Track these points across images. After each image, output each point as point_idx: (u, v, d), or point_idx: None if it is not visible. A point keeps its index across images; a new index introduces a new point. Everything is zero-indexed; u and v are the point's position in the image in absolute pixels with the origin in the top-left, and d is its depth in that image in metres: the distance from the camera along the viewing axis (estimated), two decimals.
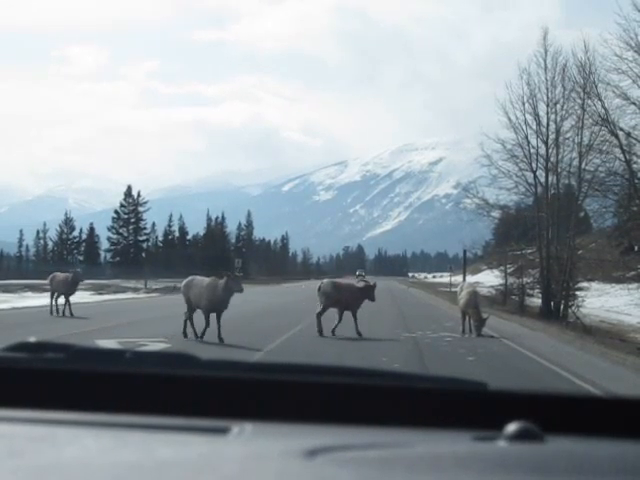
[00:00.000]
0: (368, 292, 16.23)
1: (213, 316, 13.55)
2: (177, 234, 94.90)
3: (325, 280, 17.23)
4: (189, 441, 1.07)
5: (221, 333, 13.21)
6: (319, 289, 15.99)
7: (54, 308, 20.05)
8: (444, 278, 67.05)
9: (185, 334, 13.79)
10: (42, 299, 25.23)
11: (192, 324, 13.85)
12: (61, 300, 20.12)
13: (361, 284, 16.69)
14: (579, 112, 26.91)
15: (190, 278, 14.59)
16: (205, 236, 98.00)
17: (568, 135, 28.10)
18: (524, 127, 29.09)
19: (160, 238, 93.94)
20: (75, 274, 21.25)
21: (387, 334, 16.41)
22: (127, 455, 1.01)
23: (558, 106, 28.24)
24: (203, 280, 14.22)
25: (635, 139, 24.49)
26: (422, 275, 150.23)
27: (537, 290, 30.65)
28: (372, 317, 20.43)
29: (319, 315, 15.53)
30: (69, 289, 20.44)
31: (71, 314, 19.50)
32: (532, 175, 29.22)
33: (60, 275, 20.97)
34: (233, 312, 16.60)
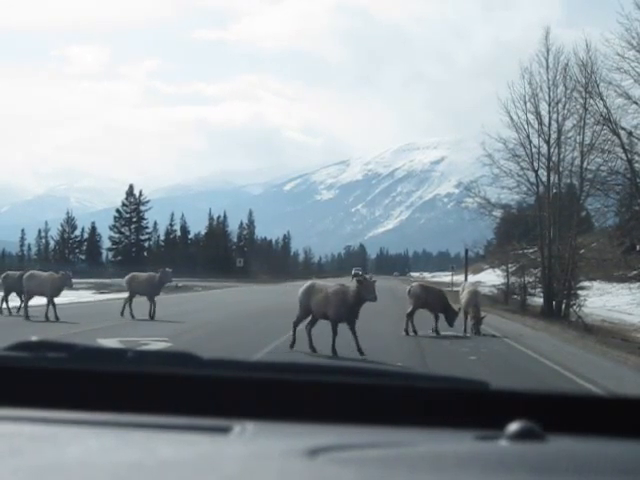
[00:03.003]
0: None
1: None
2: (179, 233, 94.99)
3: (414, 283, 18.48)
4: (191, 440, 1.07)
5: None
6: (409, 291, 17.05)
7: (127, 311, 18.26)
8: (445, 277, 66.98)
9: None
10: (43, 298, 25.14)
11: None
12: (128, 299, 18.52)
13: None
14: (581, 111, 26.94)
15: None
16: (206, 235, 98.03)
17: (570, 134, 28.15)
18: (526, 126, 29.13)
19: (162, 237, 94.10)
20: (163, 273, 19.23)
21: (389, 333, 16.41)
22: (129, 454, 1.01)
23: (560, 105, 28.27)
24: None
25: (637, 138, 24.49)
26: (416, 274, 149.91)
27: (539, 289, 30.66)
28: (374, 316, 20.39)
29: (409, 315, 16.34)
30: (154, 290, 18.71)
31: (151, 317, 17.88)
32: (534, 174, 29.24)
33: (142, 275, 19.49)
34: (234, 310, 16.69)
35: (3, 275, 19.97)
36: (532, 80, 28.77)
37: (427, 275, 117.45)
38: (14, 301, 19.39)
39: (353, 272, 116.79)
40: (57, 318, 17.09)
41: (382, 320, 20.20)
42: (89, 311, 20.65)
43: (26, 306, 17.84)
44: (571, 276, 27.80)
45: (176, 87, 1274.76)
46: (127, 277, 19.49)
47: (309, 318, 12.57)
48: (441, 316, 16.70)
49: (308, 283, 13.07)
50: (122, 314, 18.19)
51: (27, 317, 17.39)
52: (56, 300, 17.96)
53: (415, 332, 16.12)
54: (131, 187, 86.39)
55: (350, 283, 12.74)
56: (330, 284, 13.06)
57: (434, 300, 16.76)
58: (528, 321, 23.07)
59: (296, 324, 12.55)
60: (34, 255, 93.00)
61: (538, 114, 28.82)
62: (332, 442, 1.02)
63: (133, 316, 18.00)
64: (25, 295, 18.12)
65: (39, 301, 18.03)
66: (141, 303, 18.49)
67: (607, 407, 1.27)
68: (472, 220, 33.09)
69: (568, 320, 25.26)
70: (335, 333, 12.00)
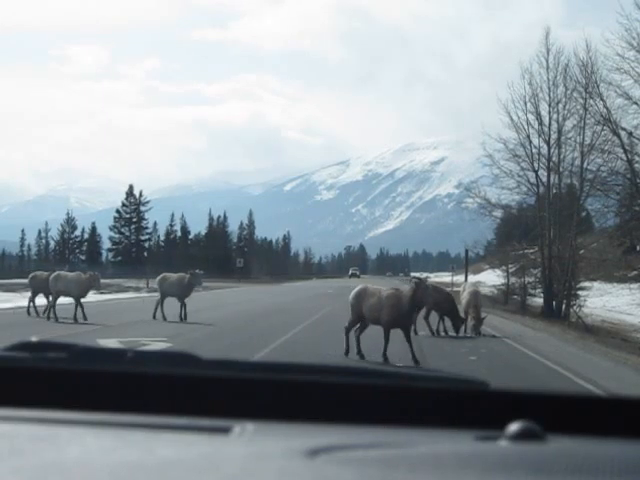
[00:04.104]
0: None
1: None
2: (179, 233, 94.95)
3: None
4: (191, 441, 1.07)
5: None
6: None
7: (159, 313, 17.81)
8: (445, 278, 66.93)
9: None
10: (44, 299, 25.12)
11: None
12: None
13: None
14: (581, 112, 26.94)
15: None
16: (207, 235, 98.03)
17: (570, 135, 28.16)
18: (526, 127, 29.16)
19: (162, 237, 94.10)
20: (193, 275, 18.58)
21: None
22: (128, 455, 1.01)
23: (560, 106, 28.28)
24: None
25: (637, 139, 24.50)
26: (416, 274, 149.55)
27: (539, 290, 30.64)
28: None
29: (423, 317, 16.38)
30: (184, 291, 18.14)
31: (183, 318, 17.51)
32: (534, 175, 29.26)
33: (173, 276, 18.72)
34: (235, 310, 16.69)
35: (31, 275, 19.68)
36: (532, 80, 28.84)
37: (431, 275, 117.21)
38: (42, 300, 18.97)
39: (350, 272, 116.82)
40: (85, 318, 16.92)
41: None
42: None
43: (54, 307, 17.53)
44: (571, 276, 27.79)
45: (176, 87, 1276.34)
46: (158, 278, 19.02)
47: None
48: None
49: (360, 286, 12.29)
50: (154, 316, 17.77)
51: (56, 318, 17.12)
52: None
53: (415, 332, 16.10)
54: (131, 187, 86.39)
55: (405, 286, 12.03)
56: (383, 287, 12.46)
57: (442, 301, 16.61)
58: (528, 321, 23.08)
59: (348, 329, 11.85)
60: (34, 255, 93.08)
61: (538, 114, 28.85)
62: (332, 442, 1.02)
63: (165, 318, 17.61)
64: (53, 297, 17.78)
65: (67, 301, 17.98)
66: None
67: (607, 407, 1.27)
68: (472, 220, 33.08)
69: (568, 320, 25.25)
70: (387, 340, 11.30)
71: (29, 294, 19.56)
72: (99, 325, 16.40)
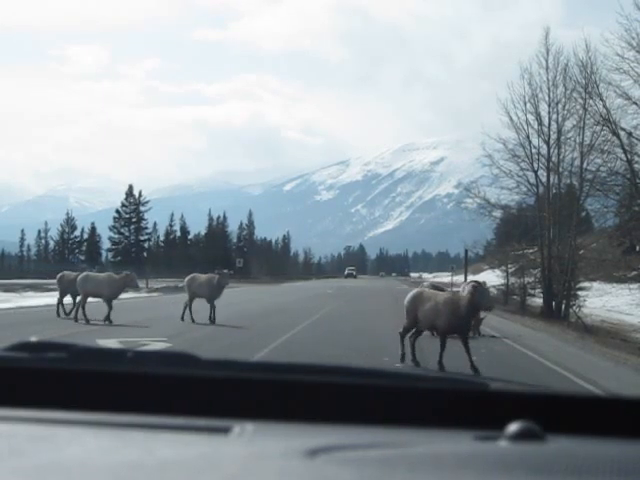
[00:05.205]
0: None
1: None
2: (178, 234, 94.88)
3: (425, 283, 17.76)
4: (190, 441, 1.07)
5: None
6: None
7: (188, 314, 17.35)
8: (445, 278, 66.93)
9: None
10: (44, 299, 25.16)
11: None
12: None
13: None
14: (580, 112, 26.94)
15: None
16: (206, 236, 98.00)
17: (569, 135, 28.17)
18: (525, 127, 29.17)
19: (161, 238, 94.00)
20: (222, 276, 17.98)
21: (389, 334, 16.39)
22: (128, 455, 1.01)
23: (559, 106, 28.29)
24: None
25: (636, 139, 24.49)
26: (416, 274, 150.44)
27: (538, 290, 30.65)
28: (373, 317, 20.45)
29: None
30: (213, 293, 17.62)
31: (212, 321, 16.97)
32: (533, 175, 29.26)
33: (202, 277, 18.22)
34: (234, 310, 16.68)
35: (59, 276, 19.09)
36: (532, 80, 28.84)
37: (429, 276, 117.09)
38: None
39: (346, 272, 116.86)
40: (109, 320, 16.51)
41: (382, 320, 20.20)
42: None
43: (83, 308, 17.00)
44: (571, 277, 27.80)
45: (176, 87, 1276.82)
46: (187, 278, 18.48)
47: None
48: None
49: (416, 290, 11.77)
50: (182, 318, 17.31)
51: (86, 320, 16.69)
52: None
53: None
54: (131, 187, 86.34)
55: (462, 291, 11.37)
56: (439, 292, 12.02)
57: None
58: (528, 321, 23.08)
59: (403, 335, 11.33)
60: (34, 255, 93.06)
61: (538, 114, 28.85)
62: (332, 442, 1.02)
63: (193, 320, 17.15)
64: (82, 297, 17.31)
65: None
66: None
67: (607, 407, 1.27)
68: (472, 220, 33.06)
69: (568, 321, 25.26)
70: (443, 347, 10.73)
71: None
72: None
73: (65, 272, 19.46)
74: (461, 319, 10.63)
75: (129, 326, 16.25)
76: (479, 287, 10.77)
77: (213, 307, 17.31)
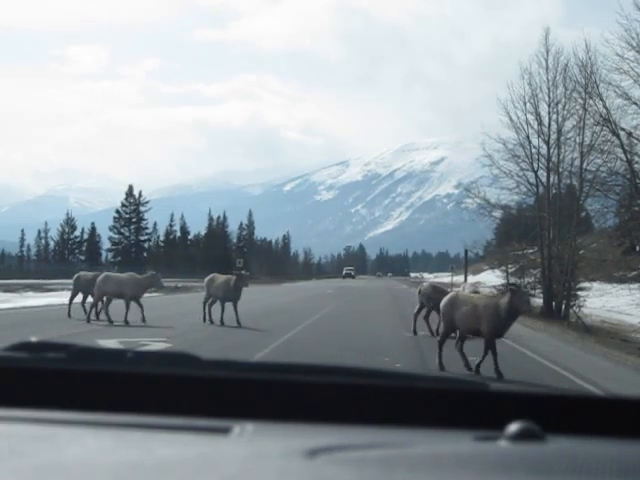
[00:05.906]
0: None
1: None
2: (178, 234, 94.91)
3: (425, 283, 18.12)
4: (190, 441, 1.07)
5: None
6: (420, 291, 16.92)
7: (207, 316, 17.17)
8: (445, 278, 66.93)
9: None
10: (44, 299, 25.17)
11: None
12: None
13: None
14: (580, 112, 26.89)
15: None
16: (206, 236, 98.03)
17: (569, 135, 28.11)
18: (525, 127, 29.11)
19: (161, 238, 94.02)
20: (239, 277, 17.53)
21: (388, 334, 16.42)
22: (128, 455, 1.01)
23: (559, 106, 28.24)
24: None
25: (636, 139, 24.47)
26: (415, 274, 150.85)
27: (538, 290, 30.62)
28: (373, 317, 20.45)
29: (418, 315, 16.59)
30: (229, 294, 17.19)
31: (238, 323, 16.55)
32: (533, 175, 29.22)
33: (220, 278, 17.72)
34: (233, 312, 16.71)
35: (76, 276, 18.80)
36: (532, 81, 28.78)
37: (430, 276, 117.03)
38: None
39: (344, 272, 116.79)
40: (126, 321, 16.40)
41: (382, 320, 20.21)
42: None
43: (106, 309, 16.92)
44: (571, 277, 27.78)
45: (176, 87, 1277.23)
46: (207, 279, 18.06)
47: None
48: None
49: (451, 294, 11.66)
50: (204, 320, 17.14)
51: (110, 320, 16.47)
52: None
53: (415, 332, 16.11)
54: (130, 187, 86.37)
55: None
56: (475, 295, 11.85)
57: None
58: (528, 322, 23.04)
59: (441, 342, 11.11)
60: (34, 256, 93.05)
61: (538, 114, 28.82)
62: (332, 442, 1.02)
63: (212, 321, 17.01)
64: (95, 298, 17.11)
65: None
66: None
67: (607, 407, 1.27)
68: (472, 221, 33.03)
69: (568, 321, 25.24)
70: (494, 352, 10.44)
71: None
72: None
73: (81, 273, 19.23)
74: (502, 323, 10.47)
75: (129, 326, 16.25)
76: (517, 291, 10.59)
77: (235, 309, 16.86)
